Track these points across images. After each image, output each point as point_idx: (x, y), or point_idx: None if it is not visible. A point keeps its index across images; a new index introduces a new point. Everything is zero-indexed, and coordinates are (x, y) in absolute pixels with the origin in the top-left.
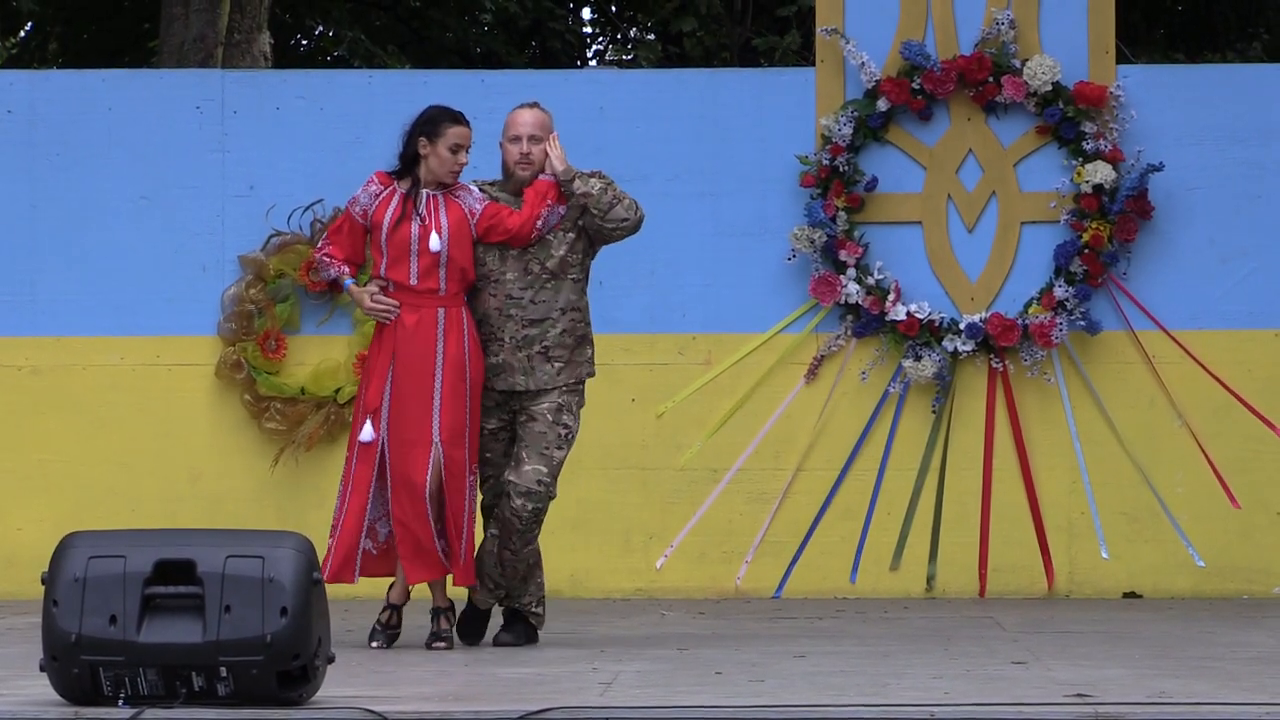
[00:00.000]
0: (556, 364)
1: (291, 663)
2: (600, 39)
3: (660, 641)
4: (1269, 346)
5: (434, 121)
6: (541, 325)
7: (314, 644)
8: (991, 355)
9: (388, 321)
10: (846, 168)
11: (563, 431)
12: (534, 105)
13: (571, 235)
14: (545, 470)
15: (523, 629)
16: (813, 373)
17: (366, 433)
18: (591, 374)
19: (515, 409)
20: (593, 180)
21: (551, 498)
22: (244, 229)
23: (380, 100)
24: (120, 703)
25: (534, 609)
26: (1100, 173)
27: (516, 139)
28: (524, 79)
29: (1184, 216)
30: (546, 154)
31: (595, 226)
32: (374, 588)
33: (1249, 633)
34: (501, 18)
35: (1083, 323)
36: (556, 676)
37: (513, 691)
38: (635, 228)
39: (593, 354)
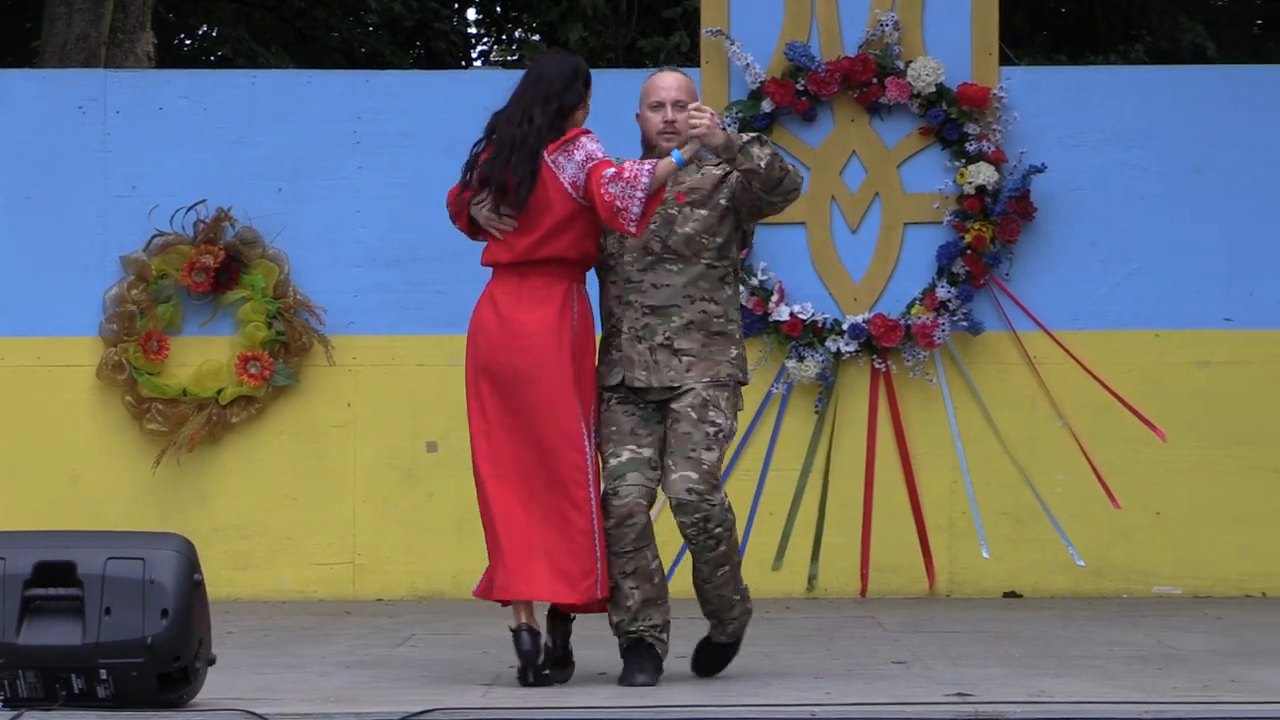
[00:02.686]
0: (688, 358)
1: (172, 664)
2: (485, 39)
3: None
4: (1149, 347)
5: (588, 71)
6: (664, 313)
7: (195, 646)
8: (874, 356)
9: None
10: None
11: (710, 430)
12: (675, 69)
13: (704, 212)
14: (695, 476)
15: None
16: None
17: None
18: (740, 379)
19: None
20: (757, 150)
21: (714, 506)
22: (126, 229)
23: (264, 100)
24: None
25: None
26: (983, 174)
27: (658, 105)
28: (409, 79)
29: (1066, 218)
30: (691, 121)
31: (756, 200)
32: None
33: (1128, 632)
34: (386, 18)
35: (965, 323)
36: (439, 678)
37: (394, 692)
38: (797, 188)
39: (740, 356)
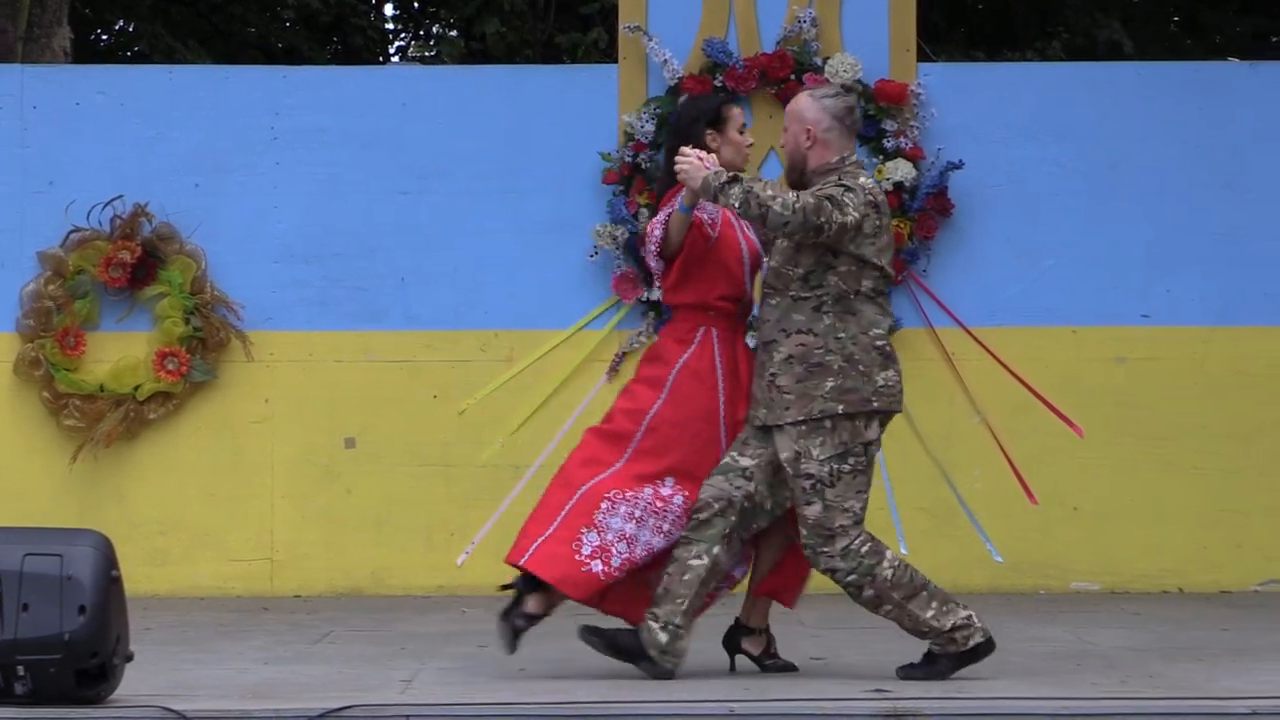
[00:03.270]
0: (786, 396)
1: (90, 661)
2: (403, 35)
3: (461, 639)
4: (1066, 343)
5: (714, 111)
6: (770, 348)
7: (112, 642)
8: None
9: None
10: (649, 165)
11: (806, 484)
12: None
13: (786, 244)
14: (805, 533)
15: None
16: (614, 370)
17: None
18: (836, 411)
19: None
20: (734, 190)
21: (832, 557)
22: (43, 225)
23: (181, 95)
24: None
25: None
26: (901, 170)
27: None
28: (326, 75)
29: (983, 214)
30: (677, 166)
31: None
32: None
33: (1045, 628)
34: (303, 13)
35: None
36: (357, 674)
37: (313, 689)
38: (805, 228)
39: (845, 387)
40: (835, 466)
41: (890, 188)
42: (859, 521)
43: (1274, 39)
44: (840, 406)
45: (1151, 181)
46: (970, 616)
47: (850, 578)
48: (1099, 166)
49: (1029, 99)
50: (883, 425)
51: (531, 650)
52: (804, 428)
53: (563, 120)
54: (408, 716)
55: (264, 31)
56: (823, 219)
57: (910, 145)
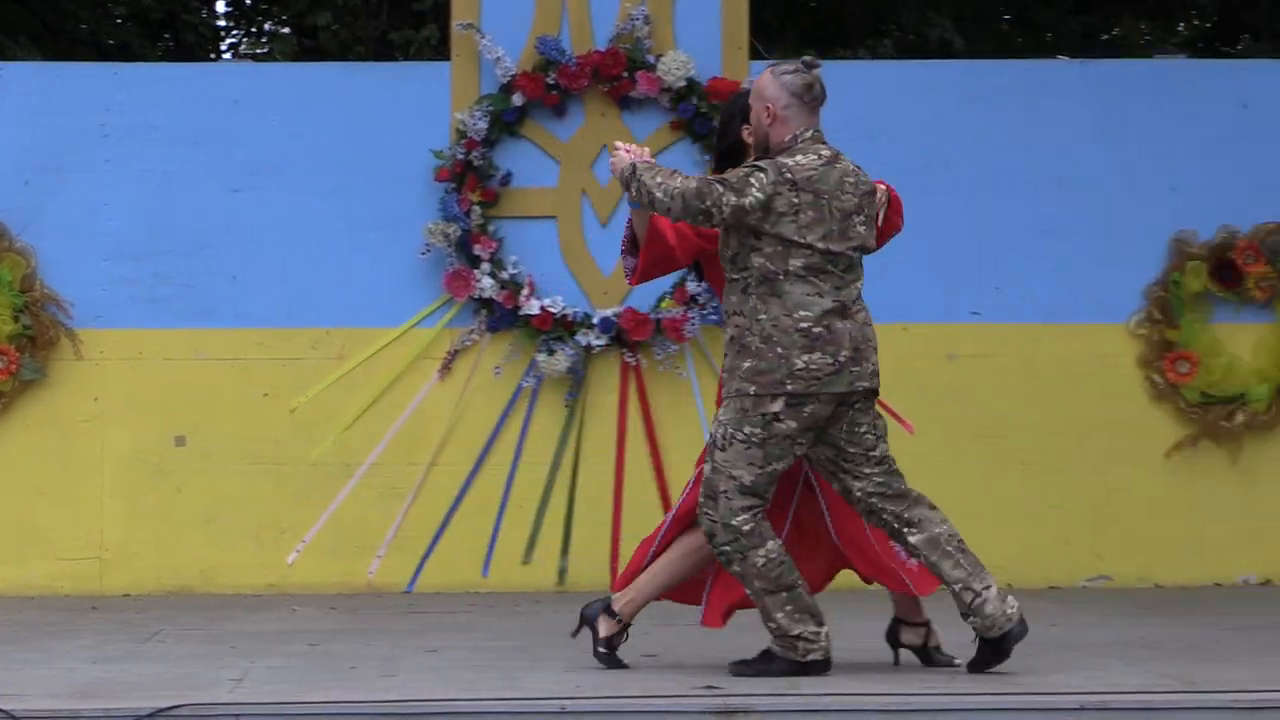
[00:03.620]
0: (725, 374)
1: None
2: (235, 32)
3: (292, 637)
4: (897, 340)
5: (748, 108)
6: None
7: None
8: (624, 350)
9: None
10: (481, 162)
11: (709, 441)
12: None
13: (721, 230)
14: (701, 486)
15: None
16: (446, 367)
17: None
18: (751, 393)
19: None
20: (631, 182)
21: (715, 521)
22: None
23: (11, 93)
24: None
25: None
26: None
27: None
28: (158, 71)
29: None
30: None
31: None
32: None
33: (873, 623)
34: (135, 10)
35: (714, 317)
36: (186, 673)
37: (142, 688)
38: (687, 213)
39: (758, 369)
40: (730, 431)
41: None
42: (747, 493)
43: (1104, 37)
44: (752, 388)
45: (982, 179)
46: (819, 634)
47: (724, 548)
48: (929, 164)
49: (859, 97)
50: (801, 406)
51: (361, 648)
52: (729, 400)
53: (395, 117)
54: (237, 715)
55: (95, 28)
56: (708, 203)
57: None
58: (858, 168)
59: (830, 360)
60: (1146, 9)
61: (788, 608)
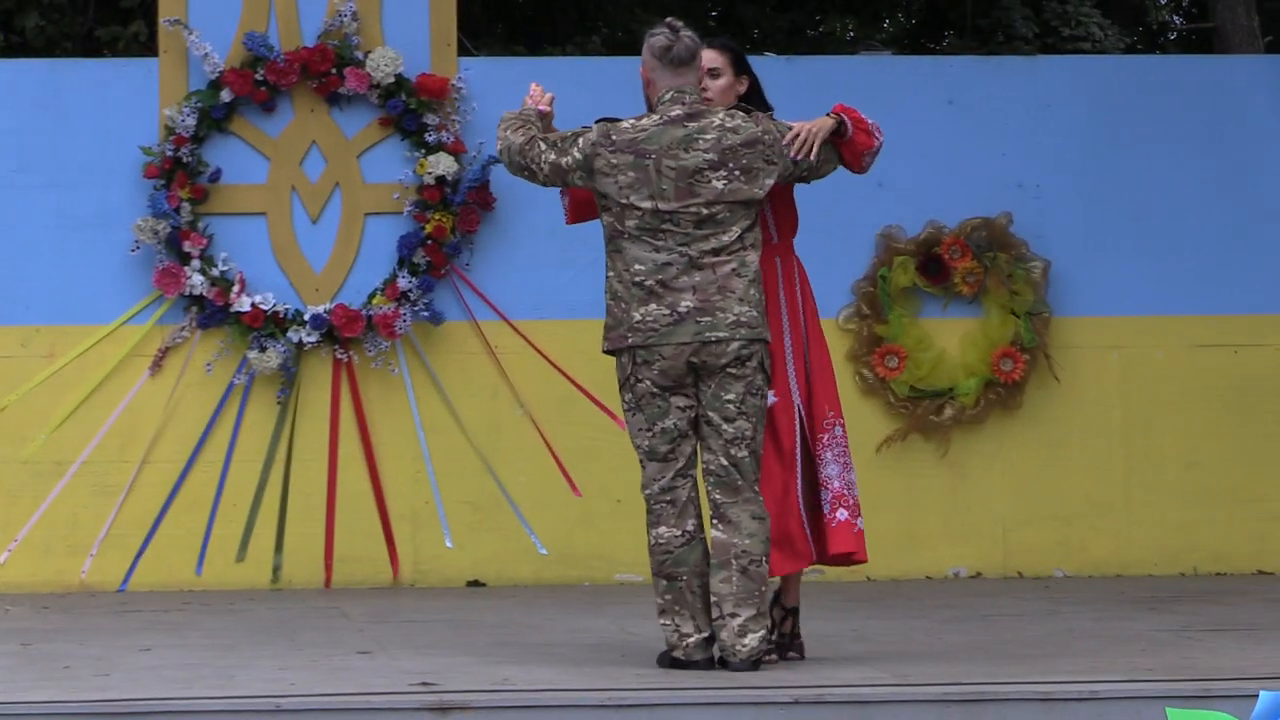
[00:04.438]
0: None
1: None
2: None
3: (4, 637)
4: None
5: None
6: None
7: None
8: (336, 346)
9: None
10: (190, 159)
11: None
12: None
13: None
14: None
15: None
16: (157, 364)
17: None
18: (605, 349)
19: None
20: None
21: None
22: None
23: None
24: None
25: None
26: (442, 164)
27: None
28: None
29: (525, 208)
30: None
31: None
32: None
33: (590, 619)
34: None
35: (426, 313)
36: None
37: None
38: (514, 168)
39: (608, 325)
40: (622, 399)
41: (432, 182)
42: (654, 459)
43: (810, 34)
44: (606, 344)
45: None
46: (678, 631)
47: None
48: None
49: (571, 93)
50: (650, 362)
51: (74, 648)
52: None
53: (104, 114)
54: None
55: None
56: (527, 160)
57: (452, 139)
58: (749, 118)
59: (668, 311)
60: (851, 6)
61: (666, 596)
